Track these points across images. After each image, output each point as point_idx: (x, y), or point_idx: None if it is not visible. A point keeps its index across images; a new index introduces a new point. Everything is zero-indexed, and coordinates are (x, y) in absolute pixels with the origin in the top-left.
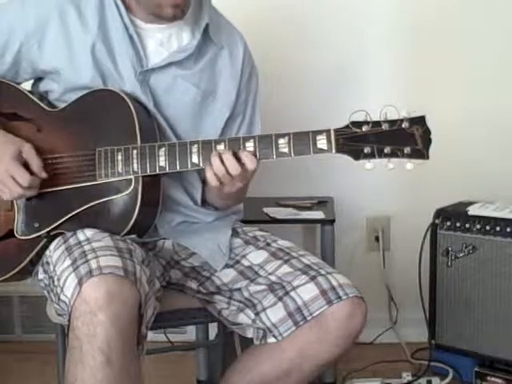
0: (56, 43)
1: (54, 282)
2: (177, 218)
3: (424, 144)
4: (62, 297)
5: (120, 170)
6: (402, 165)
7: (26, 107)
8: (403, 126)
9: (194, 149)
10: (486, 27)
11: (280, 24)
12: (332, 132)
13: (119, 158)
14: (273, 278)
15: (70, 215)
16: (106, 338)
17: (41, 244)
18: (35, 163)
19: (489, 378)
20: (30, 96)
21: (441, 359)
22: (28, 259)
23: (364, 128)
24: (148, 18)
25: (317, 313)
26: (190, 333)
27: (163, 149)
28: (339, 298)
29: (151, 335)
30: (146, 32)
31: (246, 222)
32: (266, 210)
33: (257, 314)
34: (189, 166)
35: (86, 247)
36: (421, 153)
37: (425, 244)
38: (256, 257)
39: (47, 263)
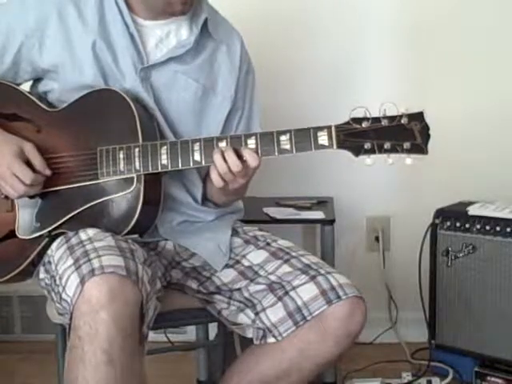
0: (56, 42)
1: (55, 281)
2: (177, 217)
3: (423, 139)
4: (64, 296)
5: (122, 169)
6: (401, 160)
7: (26, 108)
8: (402, 121)
9: (196, 147)
10: (486, 26)
11: (280, 22)
12: (333, 128)
13: (121, 156)
14: (273, 277)
15: (71, 214)
16: (107, 337)
17: (42, 244)
18: (37, 161)
19: (489, 378)
20: (30, 96)
21: (441, 359)
22: (29, 259)
23: (364, 124)
24: (147, 15)
25: (317, 313)
26: (190, 333)
27: (165, 147)
28: (339, 297)
29: (151, 335)
30: (146, 29)
31: (246, 221)
32: (265, 210)
33: (257, 313)
34: (191, 163)
35: (88, 247)
36: (420, 148)
37: (425, 244)
38: (256, 257)
39: (49, 263)
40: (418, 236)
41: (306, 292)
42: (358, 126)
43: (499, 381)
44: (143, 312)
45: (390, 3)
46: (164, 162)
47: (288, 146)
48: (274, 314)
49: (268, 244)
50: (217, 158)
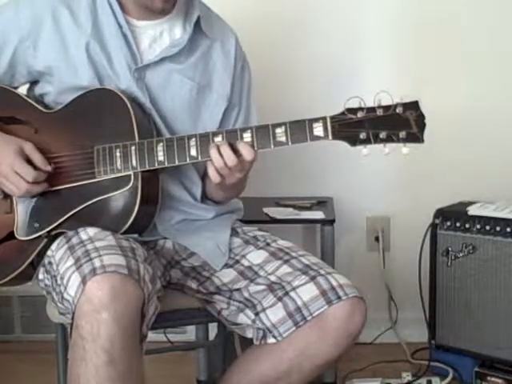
0: (51, 44)
1: (56, 281)
2: (176, 215)
3: (419, 128)
4: (66, 295)
5: (119, 167)
6: (398, 149)
7: (23, 110)
8: (397, 110)
9: (192, 142)
10: (485, 24)
11: (277, 18)
12: (328, 119)
13: (117, 154)
14: (272, 278)
15: (69, 214)
16: (109, 336)
17: (41, 244)
18: (37, 158)
19: (489, 378)
20: (27, 99)
21: (441, 359)
22: (29, 260)
23: (359, 114)
24: (140, 14)
25: (317, 313)
26: (190, 333)
27: (161, 144)
28: (339, 298)
29: (151, 335)
30: (139, 29)
31: (245, 221)
32: (265, 210)
33: (257, 314)
34: (187, 159)
35: (89, 246)
36: (416, 136)
37: (425, 244)
38: (256, 257)
39: (49, 263)
40: (417, 236)
41: (306, 292)
42: (353, 117)
43: (499, 381)
44: (144, 311)
45: (389, 2)
46: (160, 158)
47: (284, 139)
48: (274, 314)
49: (268, 244)
50: (213, 152)
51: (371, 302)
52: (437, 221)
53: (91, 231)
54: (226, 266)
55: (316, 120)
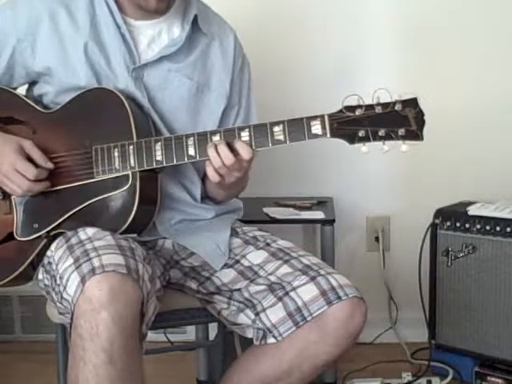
0: (48, 44)
1: (56, 281)
2: (176, 216)
3: (418, 125)
4: (65, 295)
5: (117, 167)
6: (397, 147)
7: (22, 110)
8: (396, 108)
9: (190, 141)
10: (486, 23)
11: (277, 18)
12: (326, 117)
13: (116, 154)
14: (272, 278)
15: (68, 214)
16: (108, 336)
17: (41, 245)
18: (37, 155)
19: (489, 378)
20: (25, 99)
21: (441, 359)
22: (28, 261)
23: (357, 112)
24: (137, 14)
25: (317, 313)
26: (189, 333)
27: (159, 143)
28: (339, 298)
29: (151, 335)
30: (137, 29)
31: (245, 221)
32: (265, 210)
33: (257, 314)
34: (185, 158)
35: (88, 246)
36: (415, 134)
37: (425, 244)
38: (256, 257)
39: (49, 263)
40: (417, 236)
41: (306, 292)
42: (351, 114)
43: (499, 381)
44: (143, 311)
45: (389, 2)
46: (159, 158)
47: (281, 137)
48: (274, 314)
49: (268, 244)
50: (210, 152)
51: (371, 302)
52: (437, 221)
53: (90, 231)
54: (226, 266)
55: (314, 118)
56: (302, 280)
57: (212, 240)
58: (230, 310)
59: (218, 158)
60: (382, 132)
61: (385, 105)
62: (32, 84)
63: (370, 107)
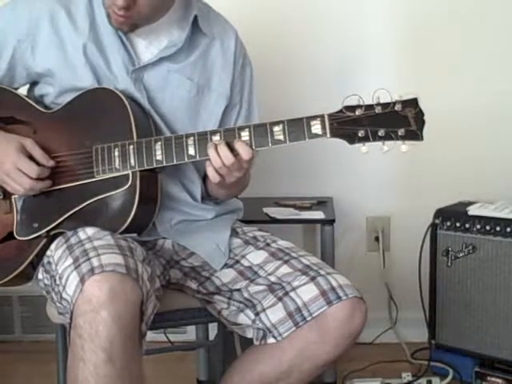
0: (49, 46)
1: (55, 280)
2: (176, 216)
3: (418, 125)
4: (64, 295)
5: (117, 166)
6: (397, 147)
7: (23, 110)
8: (396, 108)
9: (190, 141)
10: (486, 23)
11: (277, 18)
12: (326, 117)
13: (116, 154)
14: (272, 278)
15: (68, 214)
16: (108, 336)
17: (41, 244)
18: (39, 154)
19: (489, 378)
20: (27, 99)
21: (441, 359)
22: (28, 260)
23: (357, 112)
24: None
25: (317, 313)
26: (189, 333)
27: (159, 143)
28: (339, 298)
29: (151, 335)
30: (136, 31)
31: (245, 221)
32: (265, 210)
33: (257, 314)
34: (185, 158)
35: (88, 246)
36: (415, 134)
37: (425, 244)
38: (256, 257)
39: (49, 263)
40: (417, 236)
41: (306, 293)
42: (351, 114)
43: (499, 381)
44: (143, 310)
45: (389, 2)
46: (159, 157)
47: (281, 137)
48: (274, 314)
49: (268, 244)
50: (210, 152)
51: (371, 302)
52: (437, 221)
53: (90, 231)
54: (226, 266)
55: (314, 118)
56: (302, 280)
57: (212, 240)
58: (230, 310)
59: (218, 158)
60: (381, 132)
61: (385, 105)
62: (33, 84)
63: (370, 107)
